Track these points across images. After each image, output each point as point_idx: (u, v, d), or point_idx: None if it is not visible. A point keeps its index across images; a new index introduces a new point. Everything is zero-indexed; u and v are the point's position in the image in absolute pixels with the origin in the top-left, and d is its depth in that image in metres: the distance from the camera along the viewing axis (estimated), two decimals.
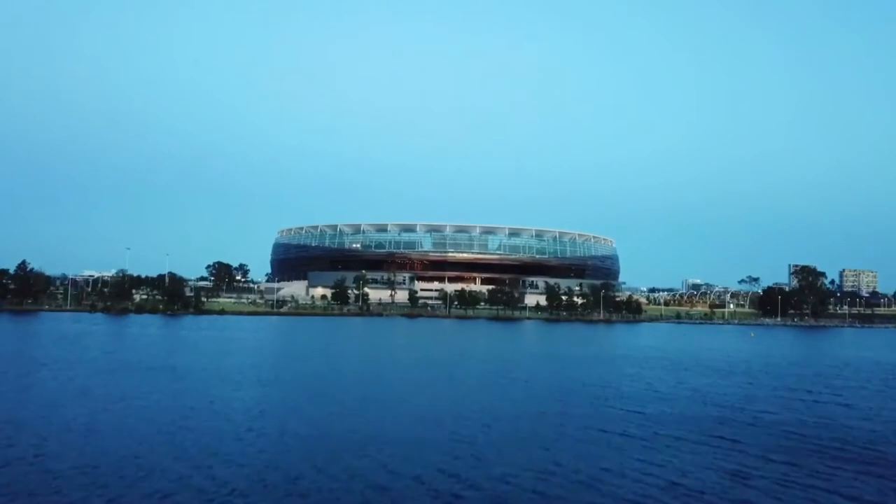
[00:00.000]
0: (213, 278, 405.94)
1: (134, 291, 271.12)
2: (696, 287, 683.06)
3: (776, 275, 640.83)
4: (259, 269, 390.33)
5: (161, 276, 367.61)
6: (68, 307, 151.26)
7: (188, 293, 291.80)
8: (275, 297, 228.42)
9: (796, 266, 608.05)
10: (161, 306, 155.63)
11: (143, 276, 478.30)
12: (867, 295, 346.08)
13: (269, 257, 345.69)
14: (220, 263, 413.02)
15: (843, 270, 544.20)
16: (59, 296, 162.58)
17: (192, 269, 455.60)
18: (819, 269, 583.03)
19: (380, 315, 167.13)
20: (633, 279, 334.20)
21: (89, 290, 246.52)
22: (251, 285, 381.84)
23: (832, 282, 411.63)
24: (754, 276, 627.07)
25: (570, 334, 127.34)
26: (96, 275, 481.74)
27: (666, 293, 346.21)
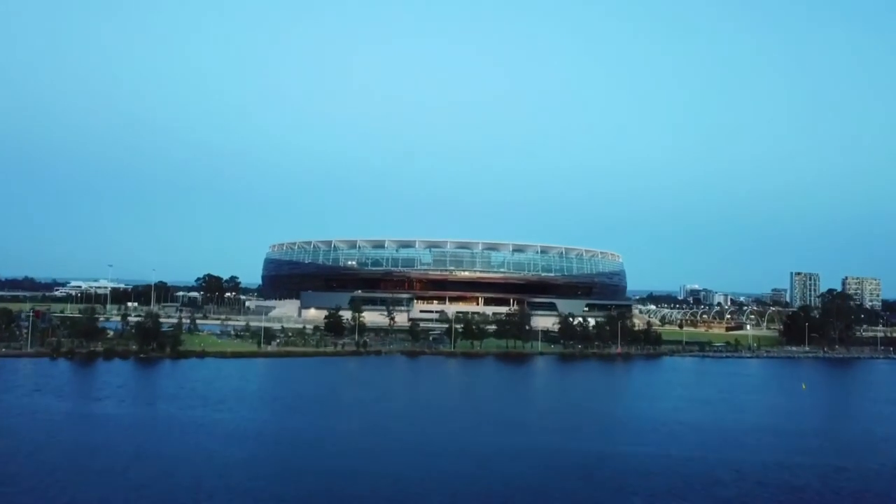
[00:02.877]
0: (202, 291, 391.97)
1: (116, 311, 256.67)
2: (694, 292, 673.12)
3: (776, 280, 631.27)
4: (253, 277, 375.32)
5: (150, 287, 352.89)
6: (29, 349, 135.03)
7: (175, 310, 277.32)
8: (263, 322, 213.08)
9: (798, 274, 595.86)
10: (134, 346, 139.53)
11: (133, 285, 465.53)
12: (885, 312, 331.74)
13: (261, 271, 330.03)
14: (210, 276, 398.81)
15: (846, 278, 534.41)
16: (26, 330, 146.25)
17: (186, 275, 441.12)
18: (820, 275, 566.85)
19: (378, 353, 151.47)
20: (632, 283, 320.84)
21: (60, 314, 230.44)
22: (242, 297, 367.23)
23: (830, 291, 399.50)
24: (776, 288, 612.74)
25: (596, 388, 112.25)
26: (83, 286, 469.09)
27: (675, 310, 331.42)
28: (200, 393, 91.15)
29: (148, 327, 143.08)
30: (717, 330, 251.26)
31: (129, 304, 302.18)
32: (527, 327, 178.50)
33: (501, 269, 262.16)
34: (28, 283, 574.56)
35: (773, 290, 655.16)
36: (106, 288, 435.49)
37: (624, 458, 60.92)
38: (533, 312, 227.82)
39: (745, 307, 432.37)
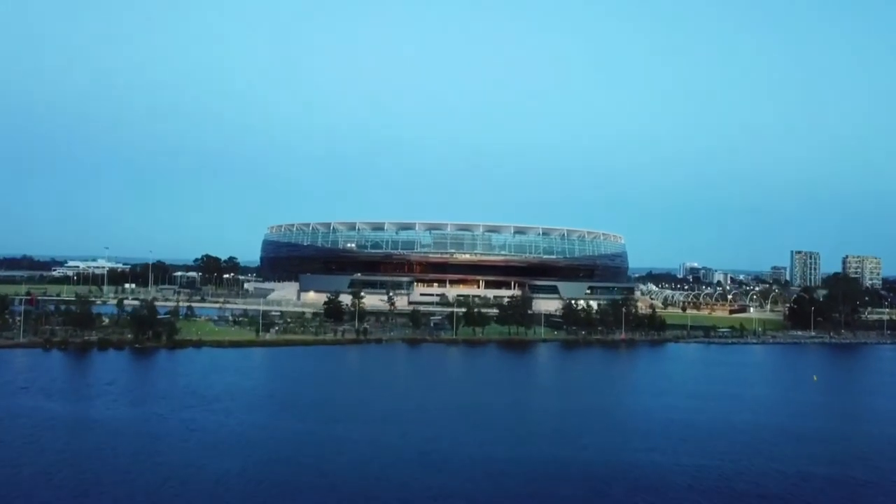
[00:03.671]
0: (200, 272, 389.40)
1: (113, 294, 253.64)
2: (694, 270, 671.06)
3: (776, 258, 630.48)
4: (251, 254, 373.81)
5: (147, 266, 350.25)
6: (22, 339, 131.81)
7: (172, 293, 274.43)
8: (261, 305, 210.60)
9: (799, 252, 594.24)
10: (130, 335, 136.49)
11: (132, 265, 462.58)
12: (889, 293, 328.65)
13: (259, 250, 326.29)
14: (208, 257, 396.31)
15: (847, 257, 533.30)
16: (19, 319, 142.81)
17: (185, 253, 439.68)
18: (821, 254, 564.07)
19: (378, 342, 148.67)
20: (631, 262, 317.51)
21: (56, 297, 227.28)
22: (240, 278, 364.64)
23: (836, 275, 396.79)
24: (775, 266, 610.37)
25: (600, 381, 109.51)
26: (81, 266, 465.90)
27: (677, 292, 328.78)
28: (194, 389, 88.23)
29: (143, 315, 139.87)
30: (721, 312, 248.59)
31: (127, 285, 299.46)
32: (529, 311, 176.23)
33: (503, 252, 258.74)
34: (26, 262, 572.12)
35: (772, 267, 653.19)
36: (103, 268, 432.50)
37: (634, 468, 58.03)
38: (535, 296, 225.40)
39: (748, 287, 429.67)
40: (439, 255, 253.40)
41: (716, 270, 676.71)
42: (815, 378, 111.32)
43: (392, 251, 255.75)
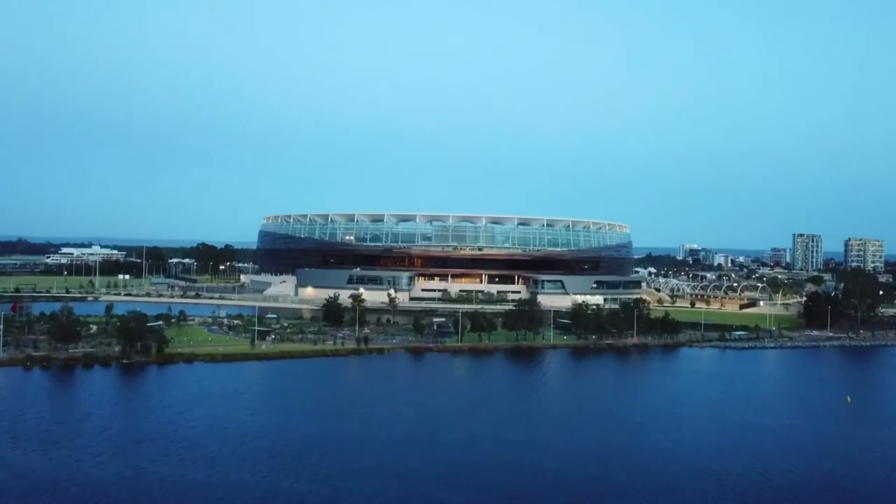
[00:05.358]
0: (195, 261, 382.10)
1: (105, 290, 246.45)
2: (694, 252, 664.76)
3: (776, 240, 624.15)
4: (249, 237, 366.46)
5: (148, 251, 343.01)
6: (2, 354, 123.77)
7: (167, 287, 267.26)
8: (259, 301, 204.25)
9: (801, 235, 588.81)
10: (117, 348, 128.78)
11: (126, 250, 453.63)
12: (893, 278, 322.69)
13: (256, 235, 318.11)
14: (204, 245, 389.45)
15: (849, 240, 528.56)
16: (1, 328, 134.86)
17: (182, 235, 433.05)
18: (822, 236, 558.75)
19: (380, 352, 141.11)
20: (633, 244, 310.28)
21: (46, 294, 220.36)
22: (237, 265, 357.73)
23: (854, 270, 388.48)
24: (775, 248, 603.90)
25: (616, 404, 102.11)
26: (75, 253, 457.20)
27: (683, 281, 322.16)
28: (177, 428, 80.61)
29: (131, 328, 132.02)
30: (731, 307, 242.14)
31: (121, 276, 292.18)
32: (535, 307, 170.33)
33: (506, 245, 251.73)
34: (21, 246, 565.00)
35: (772, 249, 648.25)
36: (98, 255, 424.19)
37: None
38: (540, 291, 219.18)
39: (750, 270, 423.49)
40: (441, 249, 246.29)
41: (716, 252, 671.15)
42: (848, 399, 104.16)
43: (392, 244, 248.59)
